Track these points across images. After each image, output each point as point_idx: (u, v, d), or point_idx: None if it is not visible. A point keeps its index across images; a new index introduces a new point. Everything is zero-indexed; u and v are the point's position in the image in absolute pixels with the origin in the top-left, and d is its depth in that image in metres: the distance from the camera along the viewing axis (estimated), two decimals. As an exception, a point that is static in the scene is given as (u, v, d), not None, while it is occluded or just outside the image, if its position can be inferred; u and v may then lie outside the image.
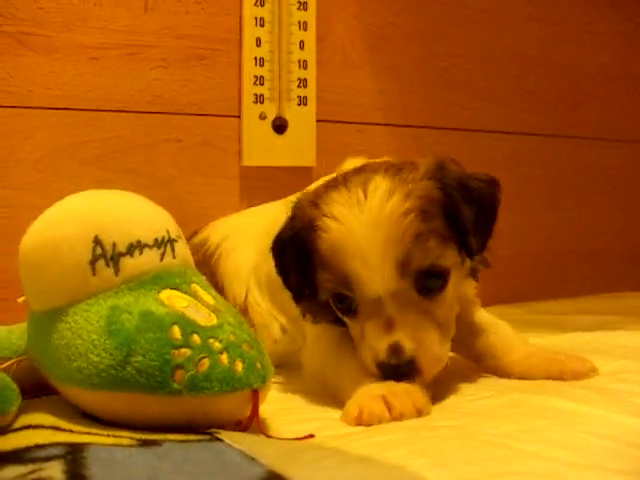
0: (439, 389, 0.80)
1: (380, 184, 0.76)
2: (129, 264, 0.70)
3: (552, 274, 1.68)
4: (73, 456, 0.55)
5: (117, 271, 0.69)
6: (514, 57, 1.64)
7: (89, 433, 0.63)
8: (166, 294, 0.70)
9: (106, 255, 0.69)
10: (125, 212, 0.73)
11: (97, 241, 0.69)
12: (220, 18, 1.32)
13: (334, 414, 0.75)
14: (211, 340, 0.66)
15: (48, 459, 0.55)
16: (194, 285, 0.73)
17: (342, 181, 0.79)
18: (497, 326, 0.91)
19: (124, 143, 1.25)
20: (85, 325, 0.67)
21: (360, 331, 0.78)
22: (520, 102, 1.65)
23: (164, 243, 0.73)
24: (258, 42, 1.33)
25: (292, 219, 0.83)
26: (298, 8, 1.35)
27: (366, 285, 0.75)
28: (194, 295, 0.72)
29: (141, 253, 0.71)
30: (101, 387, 0.65)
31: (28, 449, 0.58)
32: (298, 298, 0.85)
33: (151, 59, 1.26)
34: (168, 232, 0.74)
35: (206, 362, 0.65)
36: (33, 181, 1.18)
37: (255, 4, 1.33)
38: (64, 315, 0.69)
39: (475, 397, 0.79)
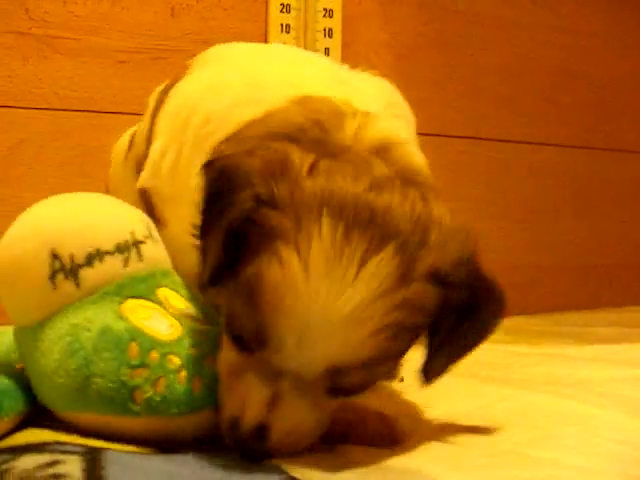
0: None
1: (382, 267, 0.54)
2: (90, 275, 0.65)
3: (576, 285, 1.67)
4: (92, 456, 0.55)
5: (78, 284, 0.65)
6: (540, 67, 1.63)
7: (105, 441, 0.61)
8: (129, 305, 0.66)
9: (65, 268, 0.65)
10: (83, 220, 0.68)
11: (54, 255, 0.65)
12: (246, 24, 1.33)
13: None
14: (170, 357, 0.62)
15: (67, 453, 0.55)
16: (163, 290, 0.69)
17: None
18: None
19: (149, 146, 1.25)
20: (49, 345, 0.64)
21: (236, 371, 0.60)
22: (546, 112, 1.64)
23: (127, 247, 0.68)
24: (283, 48, 1.33)
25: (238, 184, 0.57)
26: (324, 15, 1.36)
27: (285, 356, 0.55)
28: (161, 302, 0.67)
29: (102, 262, 0.66)
30: (69, 409, 0.62)
31: (48, 443, 0.58)
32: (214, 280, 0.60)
33: (177, 63, 1.27)
34: (133, 234, 0.69)
35: (162, 382, 0.61)
36: (58, 182, 1.18)
37: (281, 11, 1.33)
38: (32, 333, 0.66)
39: (487, 402, 0.77)
